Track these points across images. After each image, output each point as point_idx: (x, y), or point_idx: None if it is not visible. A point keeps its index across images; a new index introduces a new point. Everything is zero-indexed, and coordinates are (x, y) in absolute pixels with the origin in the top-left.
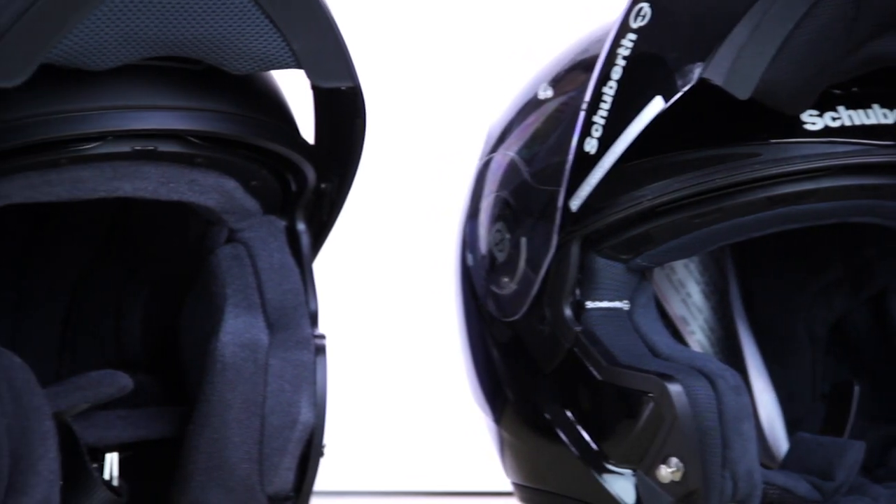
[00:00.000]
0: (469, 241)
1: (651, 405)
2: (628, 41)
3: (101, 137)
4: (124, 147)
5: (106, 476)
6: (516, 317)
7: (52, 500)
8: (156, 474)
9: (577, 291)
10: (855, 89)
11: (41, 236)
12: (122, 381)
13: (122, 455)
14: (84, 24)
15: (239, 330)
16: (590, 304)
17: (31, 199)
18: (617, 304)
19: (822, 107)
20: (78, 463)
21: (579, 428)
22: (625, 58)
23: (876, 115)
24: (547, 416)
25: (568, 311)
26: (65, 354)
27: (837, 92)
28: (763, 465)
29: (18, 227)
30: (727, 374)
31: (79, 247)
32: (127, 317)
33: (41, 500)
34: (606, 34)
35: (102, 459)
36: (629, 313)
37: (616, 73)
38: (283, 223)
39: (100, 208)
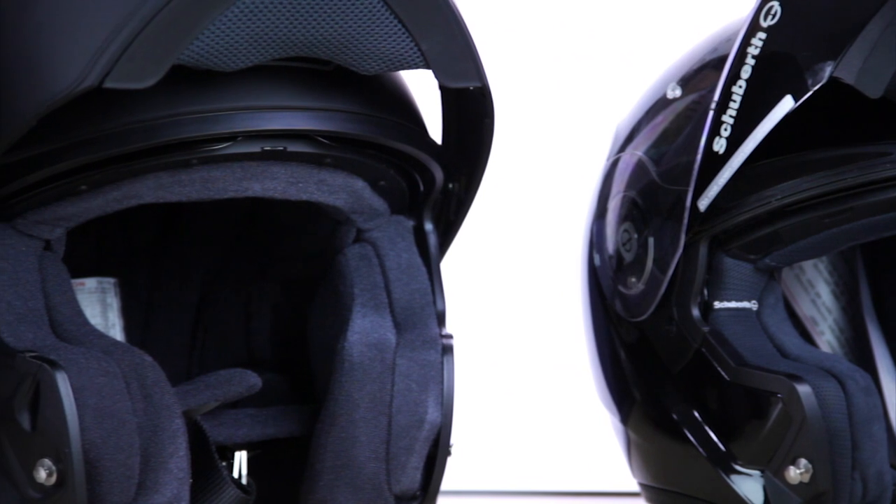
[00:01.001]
0: (596, 241)
1: (779, 406)
2: (758, 40)
3: (232, 138)
4: (254, 147)
5: (235, 474)
6: (643, 317)
7: (182, 498)
8: (284, 473)
9: (705, 291)
10: None
11: (172, 236)
12: (251, 380)
13: (250, 453)
14: (215, 26)
15: (367, 329)
16: (718, 305)
17: (163, 199)
18: (745, 304)
19: None
20: (207, 461)
21: (707, 428)
22: (754, 57)
23: None
24: (674, 416)
25: (696, 312)
26: (194, 353)
27: None
28: (893, 467)
29: (150, 227)
30: (857, 374)
31: (209, 247)
32: (256, 316)
33: (171, 497)
34: (736, 33)
35: (231, 458)
36: (757, 313)
37: (745, 72)
38: (410, 223)
39: (230, 208)
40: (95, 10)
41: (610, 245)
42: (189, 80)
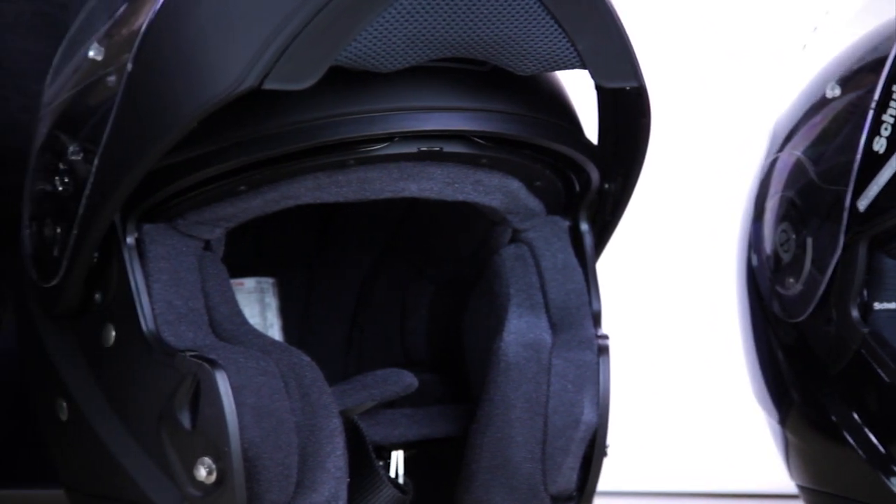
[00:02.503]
0: (754, 241)
1: None
2: None
3: (389, 139)
4: (411, 148)
5: (392, 474)
6: (802, 318)
7: (340, 497)
8: (440, 472)
9: (865, 292)
10: None
11: (329, 237)
12: (408, 380)
13: (407, 453)
14: (373, 27)
15: (522, 330)
16: (878, 306)
17: (320, 199)
18: None
19: None
20: (364, 460)
21: (866, 430)
22: None
23: None
24: (833, 418)
25: (855, 313)
26: (351, 353)
27: None
28: None
29: (308, 227)
30: None
31: (366, 247)
32: (412, 316)
33: (329, 496)
34: None
35: (388, 457)
36: None
37: None
38: (566, 223)
39: (386, 209)
40: (255, 12)
41: (767, 246)
42: (346, 81)
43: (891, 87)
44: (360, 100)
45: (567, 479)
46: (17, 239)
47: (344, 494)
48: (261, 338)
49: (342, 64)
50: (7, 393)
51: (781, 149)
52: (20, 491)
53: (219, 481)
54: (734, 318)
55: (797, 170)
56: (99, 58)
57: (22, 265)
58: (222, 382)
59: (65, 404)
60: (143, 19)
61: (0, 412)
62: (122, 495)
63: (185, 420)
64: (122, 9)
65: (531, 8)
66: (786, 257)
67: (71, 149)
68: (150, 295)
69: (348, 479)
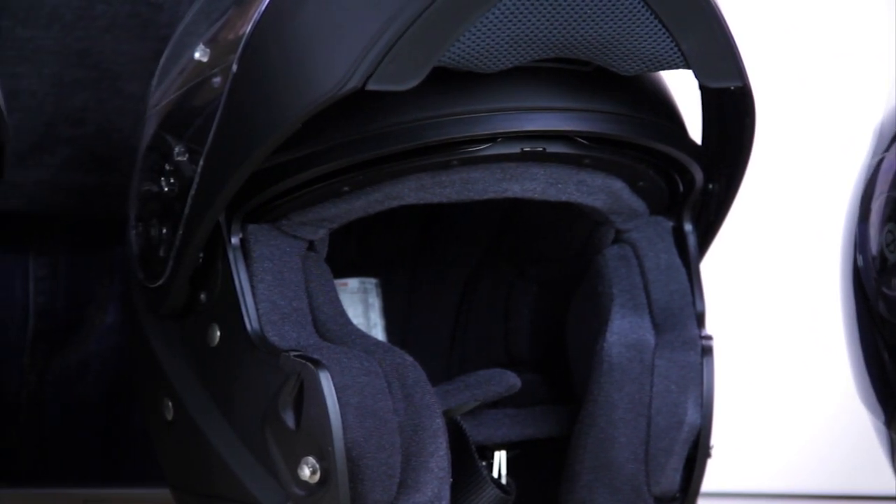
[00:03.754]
0: (859, 242)
1: None
2: None
3: (492, 139)
4: (514, 148)
5: (494, 474)
6: None
7: (443, 497)
8: (543, 473)
9: None
10: None
11: (433, 237)
12: (511, 380)
13: (509, 453)
14: (476, 27)
15: (625, 330)
16: None
17: (423, 200)
18: None
19: None
20: (467, 461)
21: None
22: None
23: None
24: None
25: None
26: (454, 353)
27: None
28: None
29: (410, 228)
30: None
31: (469, 247)
32: (515, 316)
33: (432, 496)
34: None
35: (491, 457)
36: None
37: None
38: (670, 224)
39: (488, 209)
40: (359, 13)
41: (873, 246)
42: (449, 81)
43: None
44: (463, 100)
45: (670, 480)
46: (122, 239)
47: (447, 494)
48: (364, 338)
49: (445, 64)
50: (111, 391)
51: (888, 149)
52: (127, 490)
53: (322, 481)
54: (839, 319)
55: None
56: (204, 59)
57: (128, 265)
58: (326, 382)
59: (170, 404)
60: (248, 21)
61: (104, 411)
62: (227, 494)
63: (289, 420)
64: (227, 11)
65: (635, 8)
66: (892, 258)
67: (177, 149)
68: (254, 295)
69: (451, 480)
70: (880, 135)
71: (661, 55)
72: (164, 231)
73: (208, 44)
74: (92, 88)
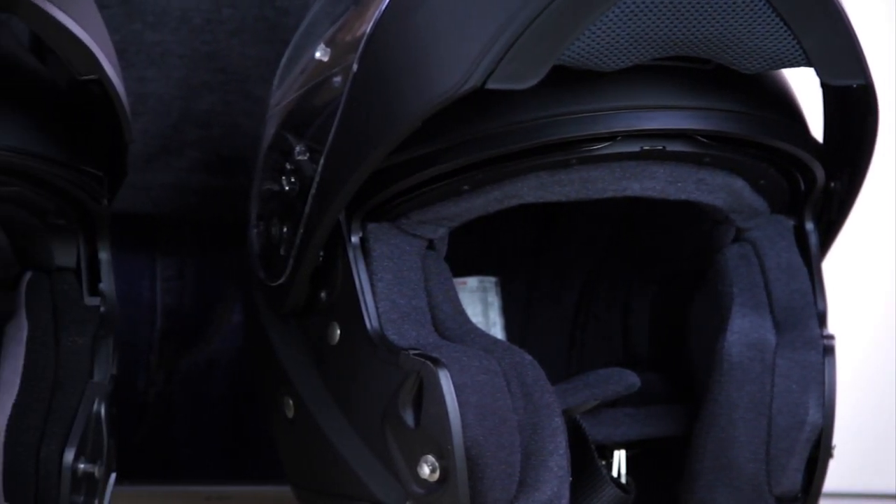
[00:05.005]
0: None
1: None
2: None
3: (612, 138)
4: (633, 147)
5: (614, 473)
6: None
7: (563, 496)
8: (662, 472)
9: None
10: None
11: (552, 236)
12: (630, 379)
13: (629, 452)
14: (596, 26)
15: (746, 329)
16: None
17: (542, 198)
18: None
19: None
20: (587, 460)
21: None
22: None
23: None
24: None
25: None
26: (573, 352)
27: None
28: None
29: (530, 226)
30: None
31: (588, 246)
32: (634, 315)
33: (552, 495)
34: None
35: (610, 456)
36: None
37: None
38: (791, 222)
39: (608, 208)
40: (479, 12)
41: None
42: (568, 80)
43: None
44: (582, 99)
45: (792, 480)
46: (245, 239)
47: (566, 493)
48: (483, 336)
49: (565, 63)
50: (237, 390)
51: None
52: (248, 487)
53: (442, 479)
54: None
55: None
56: (325, 59)
57: (250, 264)
58: (445, 381)
59: (291, 402)
60: (369, 21)
61: (230, 410)
62: (347, 492)
63: (409, 418)
64: (347, 11)
65: (757, 6)
66: None
67: (297, 149)
68: (374, 294)
69: (570, 479)
70: None
71: (782, 53)
72: (285, 230)
73: (329, 44)
74: (219, 91)
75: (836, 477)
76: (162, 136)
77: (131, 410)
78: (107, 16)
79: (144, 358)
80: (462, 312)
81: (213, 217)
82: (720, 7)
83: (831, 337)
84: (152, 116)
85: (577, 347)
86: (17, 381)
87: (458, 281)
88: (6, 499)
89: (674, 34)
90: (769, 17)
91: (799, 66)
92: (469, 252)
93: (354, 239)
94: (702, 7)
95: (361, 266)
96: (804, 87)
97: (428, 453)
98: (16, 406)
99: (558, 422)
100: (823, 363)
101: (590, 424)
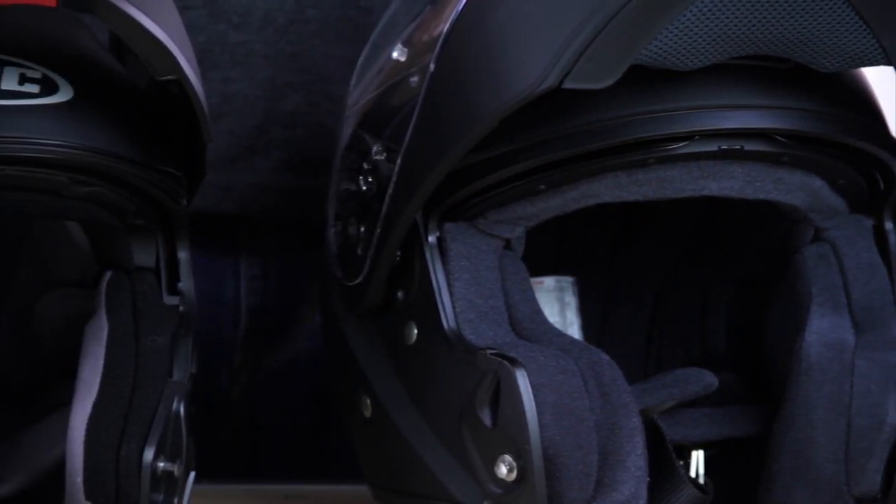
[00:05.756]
0: None
1: None
2: None
3: (689, 137)
4: (711, 146)
5: (692, 473)
6: None
7: (640, 497)
8: (741, 473)
9: None
10: None
11: (629, 236)
12: (708, 379)
13: (707, 453)
14: (674, 25)
15: (824, 330)
16: None
17: (619, 198)
18: None
19: None
20: (664, 460)
21: None
22: None
23: None
24: None
25: None
26: (650, 352)
27: None
28: None
29: (607, 226)
30: None
31: (665, 246)
32: (712, 315)
33: (630, 496)
34: None
35: (688, 457)
36: None
37: None
38: (870, 222)
39: (685, 207)
40: (555, 12)
41: None
42: (645, 79)
43: None
44: (659, 98)
45: (871, 480)
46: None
47: (644, 493)
48: (560, 336)
49: (643, 63)
50: (320, 389)
51: None
52: (328, 486)
53: (519, 479)
54: None
55: None
56: (402, 59)
57: (327, 264)
58: (522, 381)
59: (369, 401)
60: (446, 20)
61: (313, 409)
62: (424, 491)
63: (486, 418)
64: (424, 11)
65: (836, 4)
66: None
67: (374, 149)
68: (451, 293)
69: (648, 479)
70: None
71: (861, 52)
72: (362, 230)
73: (406, 43)
74: (303, 92)
75: None
76: (247, 137)
77: (215, 409)
78: (191, 17)
79: (228, 357)
80: (539, 312)
81: (297, 217)
82: (799, 6)
83: None
84: (237, 117)
85: (655, 347)
86: (98, 380)
87: (534, 280)
88: (87, 497)
89: (752, 33)
90: (848, 15)
91: (878, 64)
92: (546, 251)
93: (431, 238)
94: (781, 6)
95: (438, 266)
96: (882, 85)
97: (505, 453)
98: (96, 405)
99: (636, 422)
100: None
101: (667, 424)
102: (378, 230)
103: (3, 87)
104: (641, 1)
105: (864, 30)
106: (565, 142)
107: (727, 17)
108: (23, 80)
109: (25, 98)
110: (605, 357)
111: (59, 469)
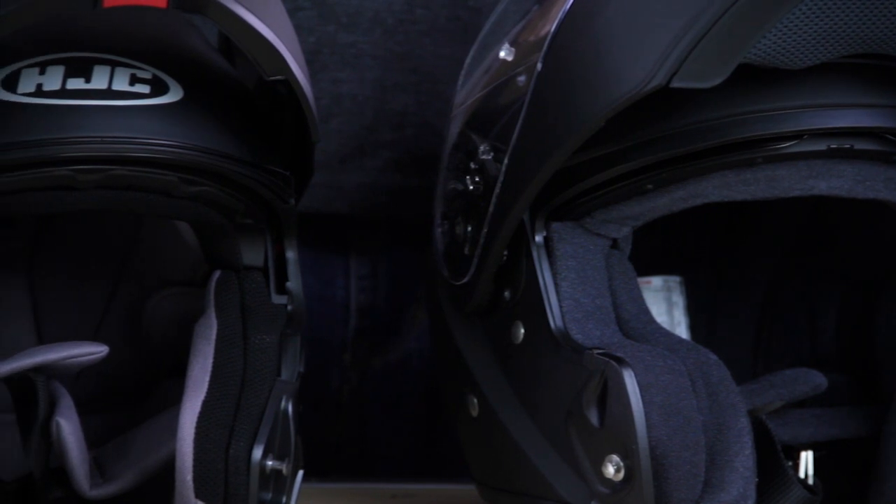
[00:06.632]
0: None
1: None
2: None
3: (798, 136)
4: (820, 146)
5: (801, 474)
6: None
7: (749, 497)
8: (850, 474)
9: None
10: None
11: (737, 235)
12: (817, 380)
13: (816, 454)
14: (783, 24)
15: None
16: None
17: (727, 197)
18: None
19: None
20: (773, 460)
21: None
22: None
23: None
24: None
25: None
26: (759, 352)
27: None
28: None
29: (714, 225)
30: None
31: (774, 245)
32: (821, 316)
33: (738, 496)
34: None
35: (797, 457)
36: None
37: None
38: None
39: (792, 207)
40: (663, 11)
41: None
42: (753, 78)
43: None
44: (767, 97)
45: None
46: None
47: (752, 494)
48: (668, 336)
49: (751, 61)
50: (429, 389)
51: None
52: (436, 486)
53: (627, 479)
54: None
55: None
56: (509, 58)
57: (434, 263)
58: (630, 380)
59: (475, 400)
60: (553, 20)
61: (423, 408)
62: (532, 490)
63: (593, 417)
64: (532, 10)
65: None
66: None
67: (481, 148)
68: (558, 293)
69: (756, 479)
70: None
71: None
72: (469, 229)
73: (513, 43)
74: (412, 92)
75: None
76: (356, 137)
77: (324, 409)
78: (301, 18)
79: (338, 357)
80: (646, 312)
81: (406, 216)
82: None
83: None
84: (346, 118)
85: (763, 347)
86: (207, 378)
87: (642, 280)
88: (197, 496)
89: (862, 31)
90: None
91: None
92: (653, 251)
93: (538, 238)
94: (892, 4)
95: (545, 265)
96: None
97: (613, 453)
98: (205, 403)
99: (744, 422)
100: None
101: (776, 425)
102: (485, 230)
103: (115, 88)
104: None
105: None
106: (673, 141)
107: (837, 16)
108: (134, 80)
109: (136, 98)
110: (713, 357)
111: (168, 467)
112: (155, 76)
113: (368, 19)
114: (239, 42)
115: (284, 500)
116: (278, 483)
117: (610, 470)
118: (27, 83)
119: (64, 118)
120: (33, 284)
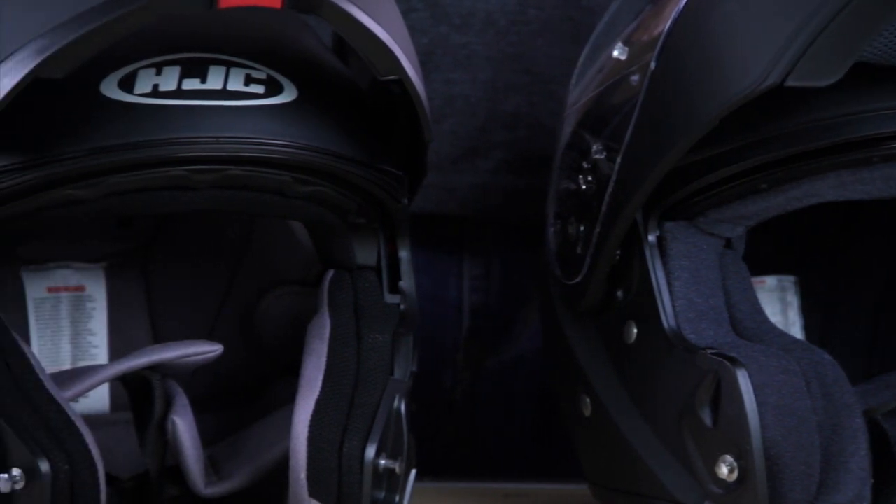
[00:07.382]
0: None
1: None
2: None
3: None
4: None
5: None
6: None
7: (864, 498)
8: None
9: None
10: None
11: (851, 234)
12: None
13: None
14: None
15: None
16: None
17: (843, 196)
18: None
19: None
20: (889, 461)
21: None
22: None
23: None
24: None
25: None
26: (874, 351)
27: None
28: None
29: (828, 225)
30: None
31: (888, 246)
32: None
33: (853, 497)
34: None
35: None
36: None
37: None
38: None
39: None
40: (777, 9)
41: None
42: (867, 76)
43: None
44: (882, 96)
45: None
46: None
47: (868, 495)
48: (782, 336)
49: (867, 60)
50: (543, 390)
51: None
52: (549, 486)
53: (741, 479)
54: None
55: None
56: (623, 57)
57: (547, 263)
58: (744, 381)
59: (588, 400)
60: (666, 19)
61: (536, 409)
62: (644, 490)
63: (707, 417)
64: (645, 10)
65: None
66: None
67: (594, 147)
68: (671, 293)
69: (872, 481)
70: None
71: None
72: (582, 228)
73: (627, 42)
74: (524, 93)
75: None
76: (469, 138)
77: (437, 409)
78: (414, 19)
79: (451, 357)
80: (760, 312)
81: (519, 217)
82: None
83: None
84: (459, 118)
85: (879, 347)
86: (321, 377)
87: (755, 280)
88: (310, 494)
89: None
90: None
91: None
92: (767, 251)
93: (651, 238)
94: None
95: (658, 265)
96: None
97: (726, 453)
98: (319, 402)
99: (859, 422)
100: None
101: (892, 425)
102: (598, 229)
103: (230, 88)
104: None
105: None
106: (787, 140)
107: None
108: (248, 80)
109: (251, 99)
110: (828, 357)
111: (282, 466)
112: (269, 76)
113: (481, 20)
114: (352, 42)
115: (397, 499)
116: (391, 482)
117: (723, 470)
118: (143, 84)
119: (179, 119)
120: (149, 284)
